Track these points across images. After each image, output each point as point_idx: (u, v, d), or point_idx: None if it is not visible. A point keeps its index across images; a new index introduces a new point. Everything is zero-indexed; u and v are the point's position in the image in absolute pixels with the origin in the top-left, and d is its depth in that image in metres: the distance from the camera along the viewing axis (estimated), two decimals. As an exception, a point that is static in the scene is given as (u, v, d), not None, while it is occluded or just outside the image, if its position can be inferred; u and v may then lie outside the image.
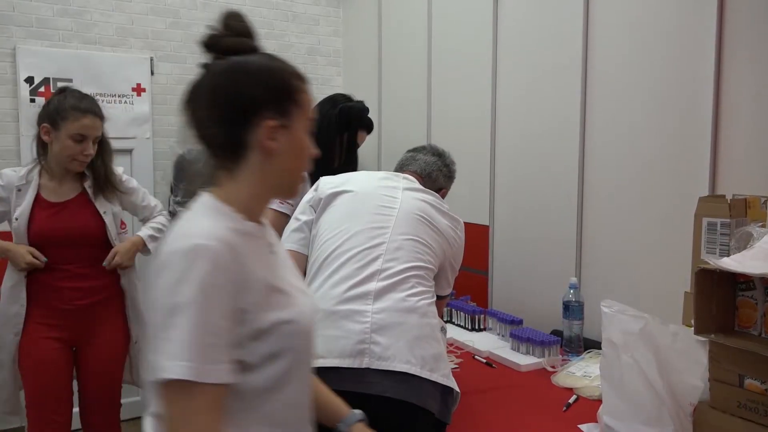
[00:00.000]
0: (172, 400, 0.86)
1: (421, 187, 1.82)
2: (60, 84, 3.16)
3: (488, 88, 2.72)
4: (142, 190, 2.45)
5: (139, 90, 3.38)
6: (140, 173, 3.41)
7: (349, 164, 2.24)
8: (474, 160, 2.79)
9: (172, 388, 0.85)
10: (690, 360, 1.37)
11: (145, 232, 2.39)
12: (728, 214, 1.49)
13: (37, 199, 2.14)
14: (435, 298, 1.64)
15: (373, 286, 1.52)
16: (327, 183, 1.80)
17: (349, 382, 1.41)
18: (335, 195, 1.73)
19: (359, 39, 3.79)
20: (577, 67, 2.28)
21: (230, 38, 0.99)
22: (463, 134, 2.90)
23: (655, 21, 2.02)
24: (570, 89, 2.31)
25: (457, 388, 1.55)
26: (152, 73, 3.41)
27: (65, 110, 2.10)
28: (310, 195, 1.80)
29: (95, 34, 3.29)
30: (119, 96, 3.33)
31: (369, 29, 3.64)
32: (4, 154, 3.11)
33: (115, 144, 3.37)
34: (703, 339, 1.34)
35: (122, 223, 2.34)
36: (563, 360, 2.12)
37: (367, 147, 3.69)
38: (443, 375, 1.50)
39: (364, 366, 1.43)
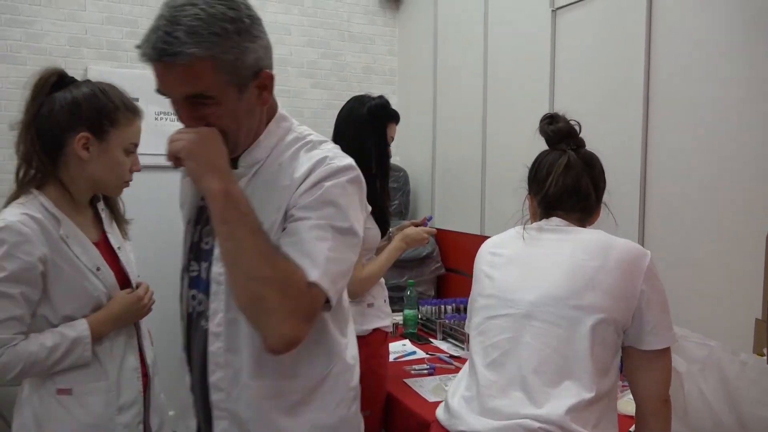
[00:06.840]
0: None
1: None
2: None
3: (545, 109, 2.68)
4: None
5: (200, 109, 3.48)
6: (200, 189, 3.51)
7: (383, 165, 2.10)
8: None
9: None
10: (762, 390, 1.30)
11: None
12: (803, 237, 1.42)
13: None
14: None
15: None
16: None
17: None
18: None
19: (414, 58, 3.82)
20: (638, 82, 2.22)
21: None
22: (520, 155, 2.86)
23: (722, 30, 1.95)
24: (632, 106, 2.25)
25: None
26: (213, 93, 3.51)
27: (115, 110, 1.52)
28: None
29: (161, 56, 3.42)
30: (182, 115, 3.44)
31: (424, 49, 3.66)
32: (73, 170, 3.26)
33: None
34: (776, 369, 1.28)
35: None
36: (623, 387, 2.04)
37: (420, 167, 3.71)
38: None
39: None
